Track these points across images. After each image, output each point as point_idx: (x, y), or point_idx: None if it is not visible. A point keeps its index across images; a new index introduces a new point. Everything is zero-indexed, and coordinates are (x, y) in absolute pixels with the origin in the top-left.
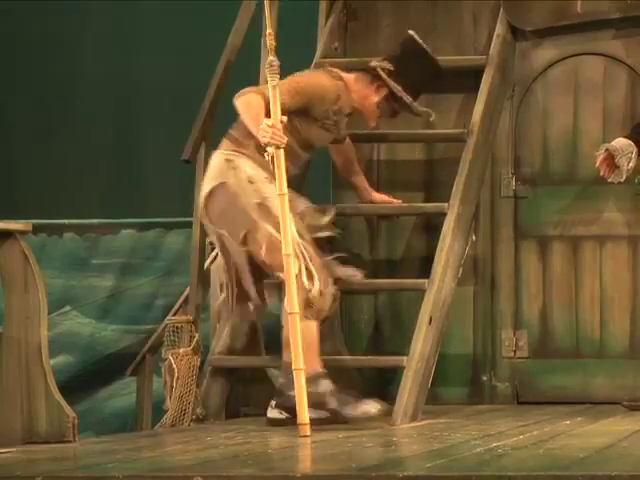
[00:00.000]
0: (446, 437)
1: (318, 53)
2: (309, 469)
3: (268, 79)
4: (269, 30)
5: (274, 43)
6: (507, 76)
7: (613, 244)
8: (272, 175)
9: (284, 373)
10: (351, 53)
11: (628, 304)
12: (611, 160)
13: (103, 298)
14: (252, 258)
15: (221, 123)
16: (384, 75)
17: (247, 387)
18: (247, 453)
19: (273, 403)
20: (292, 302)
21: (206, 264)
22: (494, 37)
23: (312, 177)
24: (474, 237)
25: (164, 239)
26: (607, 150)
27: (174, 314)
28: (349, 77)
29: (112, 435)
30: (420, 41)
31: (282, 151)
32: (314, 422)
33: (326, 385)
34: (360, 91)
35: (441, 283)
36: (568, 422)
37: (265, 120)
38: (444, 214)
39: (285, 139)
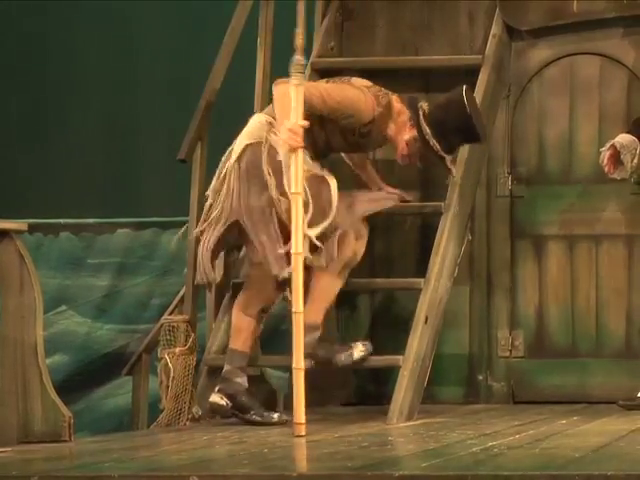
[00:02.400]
0: (442, 436)
1: (314, 53)
2: (305, 468)
3: (292, 78)
4: (300, 29)
5: (302, 42)
6: (503, 76)
7: (609, 243)
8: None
9: (229, 359)
10: (347, 53)
11: (624, 304)
12: (616, 156)
13: (99, 297)
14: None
15: (217, 123)
16: (420, 116)
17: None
18: (243, 452)
19: (216, 388)
20: (297, 301)
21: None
22: (490, 37)
23: None
24: (470, 236)
25: (160, 238)
26: (613, 146)
27: (170, 313)
28: (399, 108)
29: (108, 434)
30: (466, 102)
31: (300, 152)
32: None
33: (315, 336)
34: (398, 124)
35: (437, 282)
36: (564, 421)
37: (285, 122)
38: (440, 213)
39: (301, 144)
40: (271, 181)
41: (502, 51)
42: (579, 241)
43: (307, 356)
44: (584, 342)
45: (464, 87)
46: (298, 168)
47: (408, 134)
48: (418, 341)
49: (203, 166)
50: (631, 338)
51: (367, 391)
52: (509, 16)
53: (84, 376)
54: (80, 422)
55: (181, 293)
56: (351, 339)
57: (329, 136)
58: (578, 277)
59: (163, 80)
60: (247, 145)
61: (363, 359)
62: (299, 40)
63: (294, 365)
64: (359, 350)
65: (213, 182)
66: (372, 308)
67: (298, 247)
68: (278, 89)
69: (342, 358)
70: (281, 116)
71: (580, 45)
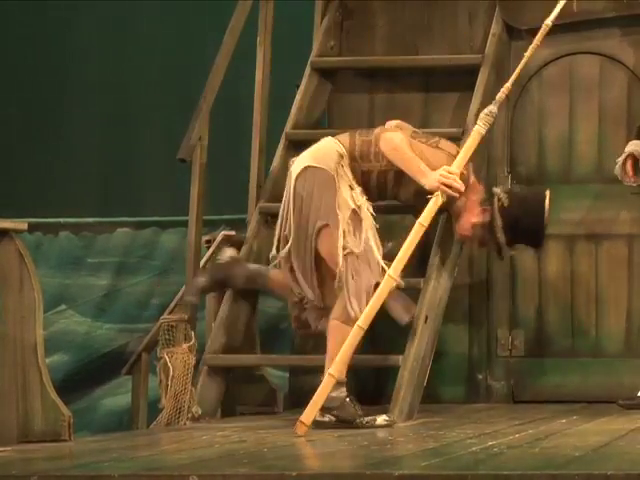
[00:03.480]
0: (442, 436)
1: (314, 52)
2: (305, 468)
3: (479, 126)
4: (508, 85)
5: (505, 97)
6: (502, 75)
7: (609, 243)
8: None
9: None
10: (347, 52)
11: (624, 303)
12: (635, 164)
13: (99, 297)
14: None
15: (216, 122)
16: (496, 205)
17: (243, 386)
18: (243, 452)
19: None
20: (367, 319)
21: (202, 262)
22: (490, 36)
23: None
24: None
25: (159, 238)
26: (632, 155)
27: (169, 313)
28: (475, 184)
29: (108, 434)
30: (547, 207)
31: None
32: (318, 424)
33: (343, 393)
34: (469, 202)
35: (437, 282)
36: (564, 421)
37: (446, 167)
38: (440, 213)
39: (462, 190)
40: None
41: (502, 50)
42: (579, 241)
43: (329, 411)
44: (584, 342)
45: (548, 192)
46: (433, 209)
47: (477, 217)
48: (418, 341)
49: (203, 166)
50: (631, 338)
51: (367, 390)
52: (509, 15)
53: (84, 375)
54: (80, 421)
55: (181, 292)
56: None
57: (401, 186)
58: (578, 277)
59: (163, 80)
60: (307, 167)
61: (384, 426)
62: (502, 95)
63: (330, 371)
64: (382, 419)
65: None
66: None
67: (397, 273)
68: (395, 134)
69: (364, 421)
70: (414, 166)
71: (580, 45)
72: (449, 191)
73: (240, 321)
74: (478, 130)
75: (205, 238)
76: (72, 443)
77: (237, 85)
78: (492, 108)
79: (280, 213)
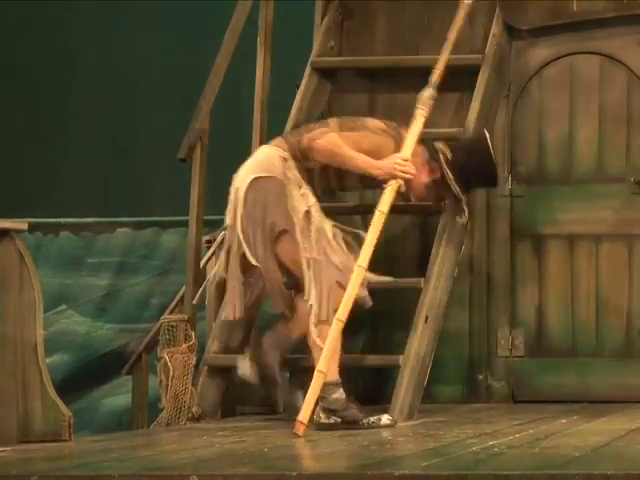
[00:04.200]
0: (442, 436)
1: (314, 52)
2: (305, 468)
3: (418, 110)
4: (440, 65)
5: (437, 79)
6: (503, 75)
7: (609, 243)
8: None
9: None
10: (347, 52)
11: (624, 303)
12: None
13: (99, 297)
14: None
15: (217, 122)
16: (442, 160)
17: (243, 386)
18: (243, 452)
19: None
20: (344, 311)
21: (202, 262)
22: (490, 36)
23: None
24: (469, 236)
25: (160, 238)
26: None
27: (170, 313)
28: (414, 148)
29: (108, 434)
30: (490, 145)
31: (400, 184)
32: (324, 426)
33: (340, 393)
34: (416, 164)
35: (437, 282)
36: (564, 421)
37: (397, 155)
38: (440, 213)
39: (415, 173)
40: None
41: (502, 50)
42: (579, 241)
43: (334, 414)
44: (584, 341)
45: (486, 131)
46: (389, 201)
47: (427, 176)
48: (418, 340)
49: (203, 166)
50: (631, 337)
51: (367, 390)
52: (509, 15)
53: (84, 375)
54: (80, 421)
55: (181, 292)
56: (351, 338)
57: (345, 177)
58: (578, 276)
59: (163, 80)
60: (255, 178)
61: (388, 426)
62: (435, 76)
63: (318, 367)
64: (386, 419)
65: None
66: (372, 307)
67: (365, 262)
68: (326, 138)
69: (370, 420)
70: (360, 161)
71: (580, 44)
72: (406, 176)
73: (240, 321)
74: (421, 114)
75: (205, 238)
76: (72, 443)
77: (237, 85)
78: (431, 91)
79: (229, 234)
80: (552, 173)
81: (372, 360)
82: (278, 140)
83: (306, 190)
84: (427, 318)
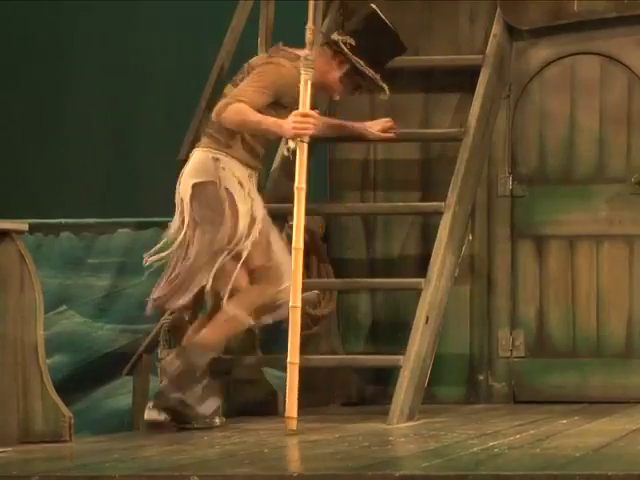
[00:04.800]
0: (442, 436)
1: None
2: (305, 468)
3: (302, 72)
4: (310, 24)
5: (312, 37)
6: (504, 75)
7: (609, 243)
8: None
9: (168, 374)
10: None
11: (624, 303)
12: None
13: (99, 297)
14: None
15: None
16: (346, 50)
17: (243, 387)
18: (243, 452)
19: (151, 404)
20: (295, 296)
21: None
22: (490, 36)
23: (310, 176)
24: (470, 237)
25: (160, 239)
26: None
27: (170, 314)
28: (315, 51)
29: (108, 435)
30: (383, 16)
31: (305, 145)
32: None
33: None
34: (322, 66)
35: (438, 282)
36: (564, 421)
37: (294, 112)
38: (441, 213)
39: (312, 130)
40: (230, 222)
41: (503, 51)
42: (580, 241)
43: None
44: (584, 342)
45: (372, 4)
46: (303, 160)
47: (339, 71)
48: (419, 341)
49: None
50: (631, 338)
51: (368, 391)
52: (510, 16)
53: (84, 376)
54: (80, 422)
55: None
56: (352, 339)
57: (282, 118)
58: (579, 277)
59: (163, 80)
60: (195, 184)
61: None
62: (309, 35)
63: (289, 359)
64: (218, 420)
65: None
66: (372, 308)
67: (299, 242)
68: (230, 110)
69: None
70: (266, 124)
71: (581, 45)
72: (307, 132)
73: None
74: (305, 78)
75: None
76: (73, 444)
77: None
78: (307, 53)
79: (179, 240)
80: (553, 173)
81: (372, 361)
82: (203, 140)
83: (248, 185)
84: (428, 319)
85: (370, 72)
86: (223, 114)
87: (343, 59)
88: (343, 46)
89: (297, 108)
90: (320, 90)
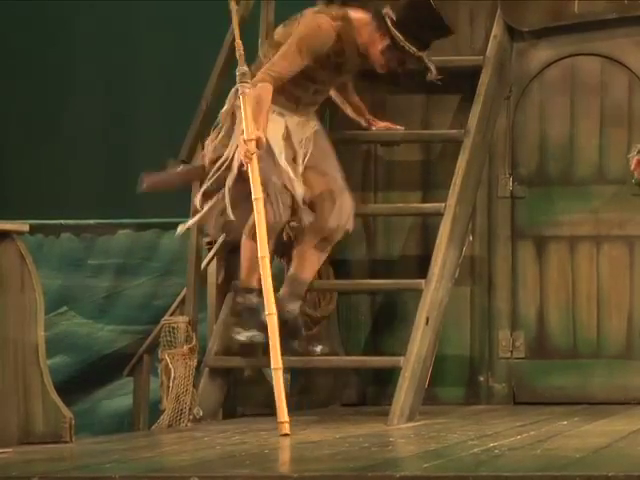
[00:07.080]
0: (443, 437)
1: None
2: (305, 469)
3: (243, 86)
4: (237, 40)
5: (242, 52)
6: (504, 77)
7: (610, 244)
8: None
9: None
10: None
11: (625, 304)
12: None
13: (100, 298)
14: None
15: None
16: (389, 23)
17: (244, 387)
18: (244, 453)
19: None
20: (270, 302)
21: (203, 264)
22: (491, 38)
23: None
24: (471, 237)
25: (161, 239)
26: None
27: (171, 314)
28: (358, 18)
29: (109, 435)
30: None
31: (254, 160)
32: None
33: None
34: (368, 36)
35: (438, 283)
36: (565, 422)
37: (241, 136)
38: (441, 214)
39: (251, 158)
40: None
41: (503, 52)
42: (580, 242)
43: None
44: (585, 343)
45: None
46: (256, 175)
47: (380, 44)
48: (419, 342)
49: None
50: (632, 339)
51: (368, 392)
52: (510, 17)
53: (85, 377)
54: (81, 423)
55: (182, 294)
56: (352, 340)
57: (315, 77)
58: (579, 278)
59: (163, 80)
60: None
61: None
62: (239, 50)
63: (273, 365)
64: (320, 348)
65: None
66: (373, 309)
67: (265, 251)
68: (254, 91)
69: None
70: (255, 114)
71: (581, 46)
72: (248, 159)
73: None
74: (244, 92)
75: (206, 240)
76: (73, 444)
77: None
78: (243, 68)
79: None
80: (553, 174)
81: (373, 361)
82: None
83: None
84: (428, 320)
85: (412, 49)
86: (249, 91)
87: (385, 32)
88: (387, 20)
89: (331, 56)
90: (365, 61)
